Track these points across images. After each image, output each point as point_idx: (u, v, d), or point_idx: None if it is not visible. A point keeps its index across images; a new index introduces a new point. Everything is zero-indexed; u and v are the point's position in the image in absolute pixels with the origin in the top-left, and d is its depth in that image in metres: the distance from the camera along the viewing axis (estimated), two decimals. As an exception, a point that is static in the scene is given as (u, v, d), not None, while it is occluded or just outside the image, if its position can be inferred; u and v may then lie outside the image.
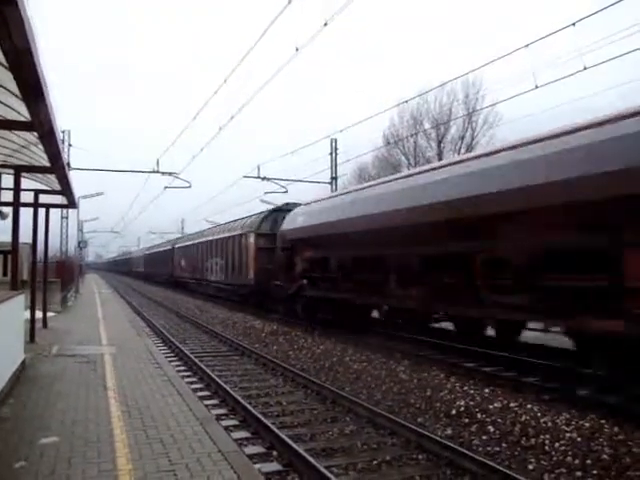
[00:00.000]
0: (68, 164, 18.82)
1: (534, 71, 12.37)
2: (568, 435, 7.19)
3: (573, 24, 10.48)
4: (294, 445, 6.79)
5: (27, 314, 14.10)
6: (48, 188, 13.70)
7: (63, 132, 27.95)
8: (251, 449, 7.04)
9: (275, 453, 6.93)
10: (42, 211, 15.74)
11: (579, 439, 7.04)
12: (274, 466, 6.51)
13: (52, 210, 17.22)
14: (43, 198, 14.63)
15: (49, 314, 17.95)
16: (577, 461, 6.43)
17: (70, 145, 29.57)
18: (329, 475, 5.88)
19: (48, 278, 18.79)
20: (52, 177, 11.87)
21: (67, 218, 43.45)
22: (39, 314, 16.49)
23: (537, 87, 12.69)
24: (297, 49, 13.60)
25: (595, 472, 6.15)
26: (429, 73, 71.85)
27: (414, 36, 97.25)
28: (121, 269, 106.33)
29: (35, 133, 8.03)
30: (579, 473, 6.15)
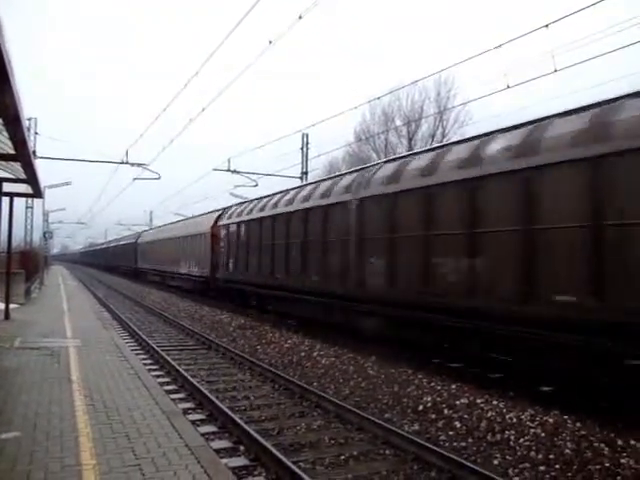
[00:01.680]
0: (34, 152, 18.40)
1: (506, 72, 12.49)
2: (532, 431, 7.31)
3: (546, 26, 10.60)
4: (261, 440, 6.76)
5: (-11, 305, 13.77)
6: (13, 176, 13.37)
7: (29, 119, 27.30)
8: (218, 443, 6.99)
9: (242, 448, 6.89)
10: (6, 200, 15.38)
11: (543, 434, 7.16)
12: (241, 461, 6.48)
13: (17, 199, 16.83)
14: (7, 187, 14.29)
15: (12, 306, 17.54)
16: (541, 456, 6.55)
17: (37, 133, 28.92)
18: (296, 470, 5.87)
19: (12, 269, 18.34)
20: (17, 165, 11.58)
21: (32, 208, 42.56)
22: (1, 305, 16.13)
23: (508, 87, 12.82)
24: (270, 42, 13.51)
25: (558, 466, 6.26)
26: (402, 69, 72.21)
27: (389, 32, 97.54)
28: (100, 263, 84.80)
29: (0, 119, 7.81)
30: (542, 467, 6.26)
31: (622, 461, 6.29)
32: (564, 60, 12.14)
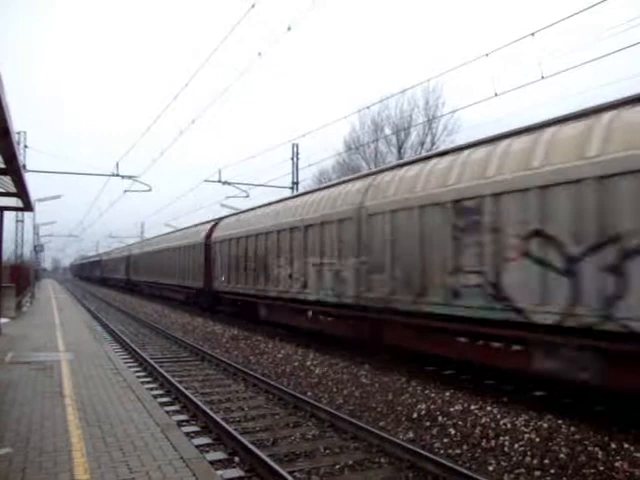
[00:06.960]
0: (24, 166, 18.30)
1: (494, 79, 12.60)
2: (527, 436, 7.33)
3: (532, 34, 10.70)
4: (256, 450, 6.74)
5: (-21, 320, 13.68)
6: (3, 190, 13.30)
7: (19, 133, 27.23)
8: (213, 455, 6.96)
9: (237, 459, 6.87)
10: (-4, 214, 15.31)
11: (537, 439, 7.18)
12: (237, 472, 6.45)
13: (6, 213, 16.75)
14: (-3, 201, 14.22)
15: (3, 320, 17.43)
16: (535, 461, 6.56)
17: (26, 146, 28.85)
18: (292, 480, 5.86)
19: (2, 283, 18.22)
20: (7, 179, 11.52)
21: (22, 221, 42.35)
22: (-8, 320, 16.02)
23: (496, 95, 12.91)
24: (260, 54, 13.59)
25: (553, 471, 6.29)
26: (391, 79, 72.63)
27: (377, 41, 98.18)
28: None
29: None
30: (538, 472, 6.28)
31: (616, 464, 6.32)
32: (551, 67, 12.24)
